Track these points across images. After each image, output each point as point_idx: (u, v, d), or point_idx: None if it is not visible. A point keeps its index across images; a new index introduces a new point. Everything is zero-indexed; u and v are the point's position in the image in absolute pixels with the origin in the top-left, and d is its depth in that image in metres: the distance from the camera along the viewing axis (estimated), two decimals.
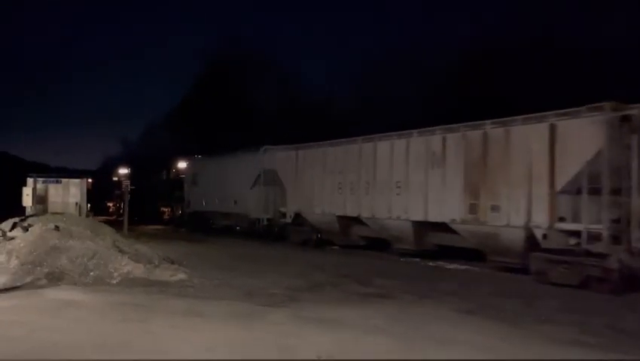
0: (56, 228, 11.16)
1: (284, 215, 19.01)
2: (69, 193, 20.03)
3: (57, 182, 20.27)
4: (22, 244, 10.28)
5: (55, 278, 9.35)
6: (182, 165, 28.32)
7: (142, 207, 31.95)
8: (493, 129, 12.29)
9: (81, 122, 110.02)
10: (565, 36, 23.51)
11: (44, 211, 17.64)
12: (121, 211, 38.31)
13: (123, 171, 39.12)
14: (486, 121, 12.52)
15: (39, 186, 19.67)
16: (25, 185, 19.43)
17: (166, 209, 30.91)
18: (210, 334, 6.48)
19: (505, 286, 10.72)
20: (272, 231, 19.85)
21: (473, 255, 13.18)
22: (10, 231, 11.89)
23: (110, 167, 49.49)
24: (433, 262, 14.04)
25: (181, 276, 10.27)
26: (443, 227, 13.40)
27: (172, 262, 11.45)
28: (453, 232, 13.14)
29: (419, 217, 13.97)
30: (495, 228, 11.96)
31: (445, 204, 13.20)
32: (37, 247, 10.11)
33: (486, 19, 30.54)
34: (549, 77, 21.47)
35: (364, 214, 15.57)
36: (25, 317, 7.07)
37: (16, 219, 12.90)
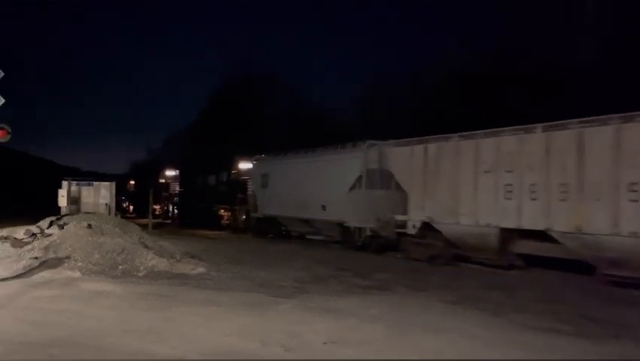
0: (89, 226, 11.36)
1: (401, 225, 14.40)
2: (100, 195, 20.46)
3: (89, 184, 20.74)
4: (58, 241, 10.50)
5: (88, 271, 9.57)
6: (245, 165, 24.44)
7: (193, 210, 29.67)
8: None
9: (110, 130, 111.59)
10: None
11: (77, 211, 17.96)
12: (170, 214, 36.85)
13: (171, 172, 37.30)
14: None
15: (73, 188, 20.14)
16: (60, 187, 19.89)
17: (225, 213, 26.95)
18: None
19: (482, 279, 10.95)
20: (376, 243, 15.69)
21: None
22: (48, 228, 12.13)
23: (136, 171, 49.89)
24: None
25: (201, 270, 10.51)
26: None
27: (192, 257, 11.68)
28: None
29: None
30: None
31: None
32: (71, 243, 10.36)
33: (474, 42, 30.55)
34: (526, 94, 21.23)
35: (559, 227, 10.71)
36: (62, 306, 7.32)
37: (53, 218, 13.13)
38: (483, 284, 10.28)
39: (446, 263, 13.05)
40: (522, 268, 12.01)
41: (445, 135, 13.49)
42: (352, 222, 16.18)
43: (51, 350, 5.40)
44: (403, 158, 14.61)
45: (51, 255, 9.94)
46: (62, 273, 9.41)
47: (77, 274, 9.43)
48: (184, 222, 31.10)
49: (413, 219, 14.11)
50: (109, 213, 18.84)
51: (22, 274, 9.17)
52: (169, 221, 35.02)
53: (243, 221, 24.25)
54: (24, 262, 9.64)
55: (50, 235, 11.23)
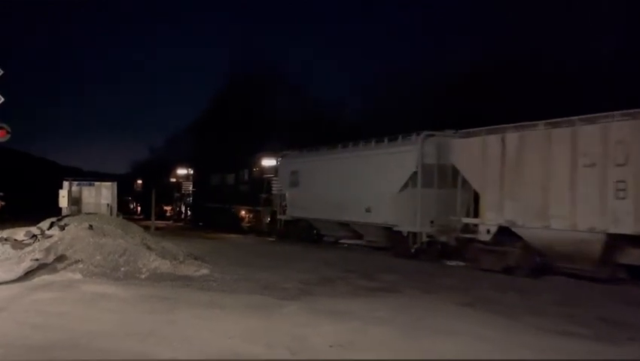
0: (90, 227, 11.33)
1: (469, 229, 12.69)
2: (101, 195, 20.50)
3: (90, 185, 20.78)
4: (59, 242, 10.47)
5: (89, 273, 9.57)
6: (269, 162, 22.60)
7: (208, 211, 28.07)
8: None
9: (111, 130, 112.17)
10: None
11: (79, 212, 18.01)
12: (183, 216, 34.68)
13: (183, 171, 34.99)
14: None
15: (74, 188, 20.16)
16: (61, 187, 19.94)
17: (247, 214, 24.94)
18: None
19: (501, 281, 10.82)
20: (434, 250, 14.09)
21: None
22: (48, 230, 12.14)
23: (139, 171, 49.77)
24: None
25: (204, 271, 10.49)
26: None
27: (195, 258, 11.67)
28: None
29: None
30: None
31: None
32: (72, 245, 10.34)
33: (483, 41, 30.52)
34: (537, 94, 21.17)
35: None
36: (63, 308, 7.33)
37: (53, 219, 13.12)
38: (496, 286, 10.18)
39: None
40: (625, 280, 10.36)
41: (528, 123, 11.58)
42: (405, 227, 14.23)
43: (52, 353, 5.42)
44: (473, 151, 12.52)
45: (52, 257, 9.92)
46: (63, 275, 9.42)
47: (79, 276, 9.44)
48: (197, 224, 29.75)
49: (487, 223, 12.10)
50: (111, 214, 18.87)
51: (22, 276, 9.16)
52: (181, 223, 33.19)
53: (268, 224, 22.32)
54: (24, 263, 9.64)
55: (50, 236, 11.23)
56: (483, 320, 7.25)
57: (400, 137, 14.94)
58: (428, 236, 13.81)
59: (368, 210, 15.45)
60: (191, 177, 33.75)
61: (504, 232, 11.86)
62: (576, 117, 10.74)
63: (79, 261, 9.90)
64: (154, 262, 10.31)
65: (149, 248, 11.09)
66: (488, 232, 12.14)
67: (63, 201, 19.43)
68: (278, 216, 20.63)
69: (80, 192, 20.33)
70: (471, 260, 12.76)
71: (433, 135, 14.13)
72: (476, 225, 12.51)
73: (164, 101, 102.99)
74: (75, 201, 19.94)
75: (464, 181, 13.04)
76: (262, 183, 22.70)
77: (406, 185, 14.31)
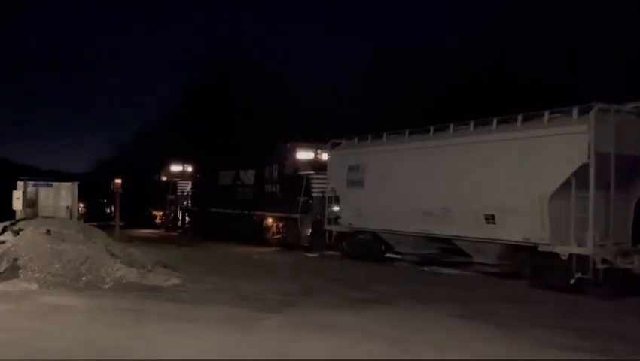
0: (48, 232, 11.06)
1: None
2: (60, 197, 20.00)
3: (48, 185, 20.26)
4: (12, 249, 10.23)
5: (47, 283, 9.33)
6: (305, 154, 19.24)
7: (214, 218, 23.77)
8: None
9: (71, 125, 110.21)
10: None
11: (35, 215, 17.57)
12: (179, 223, 29.23)
13: (178, 168, 30.63)
14: None
15: (29, 189, 19.62)
16: (15, 188, 19.38)
17: (275, 223, 20.27)
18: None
19: (497, 290, 10.83)
20: (613, 281, 10.03)
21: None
22: (0, 235, 11.81)
23: (103, 169, 48.57)
24: None
25: (175, 281, 10.30)
26: None
27: (165, 266, 11.47)
28: None
29: None
30: None
31: None
32: (28, 252, 10.06)
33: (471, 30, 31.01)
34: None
35: None
36: (16, 322, 7.10)
37: (6, 223, 12.80)
38: (496, 296, 10.12)
39: None
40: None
41: None
42: (561, 246, 10.38)
43: None
44: None
45: (4, 265, 9.68)
46: (17, 285, 9.17)
47: (35, 286, 9.21)
48: (197, 233, 25.31)
49: None
50: (71, 218, 18.43)
51: None
52: (175, 232, 28.54)
53: (308, 236, 18.20)
54: None
55: (3, 242, 10.97)
56: None
57: (546, 113, 11.10)
58: (604, 261, 9.98)
59: (491, 221, 11.71)
60: (190, 176, 29.58)
61: None
62: None
63: (35, 269, 9.62)
64: (119, 271, 10.13)
65: (113, 255, 10.89)
66: None
67: (17, 204, 18.87)
68: (327, 227, 16.80)
69: (36, 193, 19.80)
70: None
71: (607, 111, 10.36)
72: None
73: (129, 96, 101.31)
74: (31, 203, 19.40)
75: None
76: (298, 182, 18.62)
77: (566, 184, 10.40)
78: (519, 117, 11.62)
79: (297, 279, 11.64)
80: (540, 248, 10.77)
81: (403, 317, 8.16)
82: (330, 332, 6.90)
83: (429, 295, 10.17)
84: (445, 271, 13.80)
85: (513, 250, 11.61)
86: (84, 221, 19.00)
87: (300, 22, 69.37)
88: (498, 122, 12.08)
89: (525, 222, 10.98)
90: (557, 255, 10.44)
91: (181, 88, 47.13)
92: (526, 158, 11.10)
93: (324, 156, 18.18)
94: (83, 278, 9.69)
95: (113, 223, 24.94)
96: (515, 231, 11.23)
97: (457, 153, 12.73)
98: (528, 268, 11.38)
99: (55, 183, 20.46)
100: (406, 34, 45.96)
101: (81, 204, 36.66)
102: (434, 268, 14.14)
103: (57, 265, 9.80)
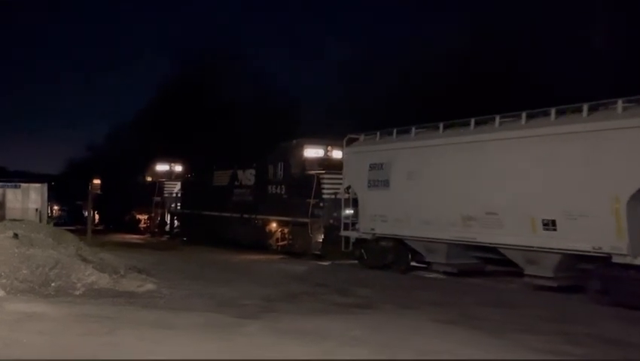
0: (15, 235, 10.90)
1: None
2: (29, 199, 19.68)
3: (16, 187, 19.92)
4: None
5: (14, 289, 9.13)
6: (314, 151, 17.90)
7: (206, 222, 22.23)
8: None
9: (42, 125, 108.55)
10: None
11: (2, 218, 17.25)
12: (167, 228, 27.54)
13: (164, 167, 28.83)
14: None
15: None
16: None
17: (280, 228, 18.79)
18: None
19: (483, 295, 10.87)
20: None
21: None
22: None
23: (80, 170, 47.74)
24: None
25: (149, 286, 10.21)
26: None
27: (139, 272, 11.35)
28: None
29: None
30: None
31: None
32: None
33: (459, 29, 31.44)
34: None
35: None
36: None
37: None
38: (483, 301, 10.13)
39: None
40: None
41: None
42: None
43: None
44: None
45: None
46: None
47: (1, 293, 8.96)
48: (188, 239, 24.04)
49: None
50: (40, 221, 18.10)
51: None
52: (163, 238, 26.98)
53: (319, 243, 16.91)
54: None
55: None
56: None
57: (619, 102, 9.83)
58: None
59: (549, 226, 10.49)
60: (178, 176, 28.40)
61: None
62: None
63: (1, 275, 9.41)
64: (91, 276, 10.00)
65: (85, 260, 10.80)
66: None
67: None
68: (343, 233, 15.27)
69: (3, 195, 19.45)
70: None
71: None
72: None
73: (102, 94, 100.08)
74: None
75: None
76: (308, 182, 17.15)
77: None
78: (585, 107, 10.25)
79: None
80: (615, 259, 9.47)
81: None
82: None
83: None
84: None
85: (575, 260, 10.32)
86: (54, 225, 18.68)
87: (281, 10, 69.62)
88: (558, 112, 10.75)
89: (596, 229, 9.63)
90: (637, 267, 9.16)
91: (163, 83, 46.05)
92: (596, 154, 9.80)
93: (335, 154, 17.13)
94: (53, 284, 9.53)
95: (93, 228, 23.59)
96: (581, 239, 9.87)
97: (506, 149, 11.43)
98: (596, 282, 9.91)
99: (23, 185, 20.12)
100: (398, 30, 46.28)
101: (56, 207, 36.19)
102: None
103: (25, 271, 9.63)
